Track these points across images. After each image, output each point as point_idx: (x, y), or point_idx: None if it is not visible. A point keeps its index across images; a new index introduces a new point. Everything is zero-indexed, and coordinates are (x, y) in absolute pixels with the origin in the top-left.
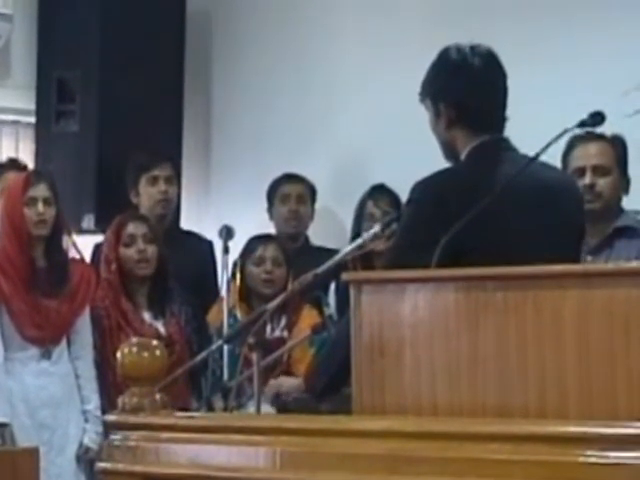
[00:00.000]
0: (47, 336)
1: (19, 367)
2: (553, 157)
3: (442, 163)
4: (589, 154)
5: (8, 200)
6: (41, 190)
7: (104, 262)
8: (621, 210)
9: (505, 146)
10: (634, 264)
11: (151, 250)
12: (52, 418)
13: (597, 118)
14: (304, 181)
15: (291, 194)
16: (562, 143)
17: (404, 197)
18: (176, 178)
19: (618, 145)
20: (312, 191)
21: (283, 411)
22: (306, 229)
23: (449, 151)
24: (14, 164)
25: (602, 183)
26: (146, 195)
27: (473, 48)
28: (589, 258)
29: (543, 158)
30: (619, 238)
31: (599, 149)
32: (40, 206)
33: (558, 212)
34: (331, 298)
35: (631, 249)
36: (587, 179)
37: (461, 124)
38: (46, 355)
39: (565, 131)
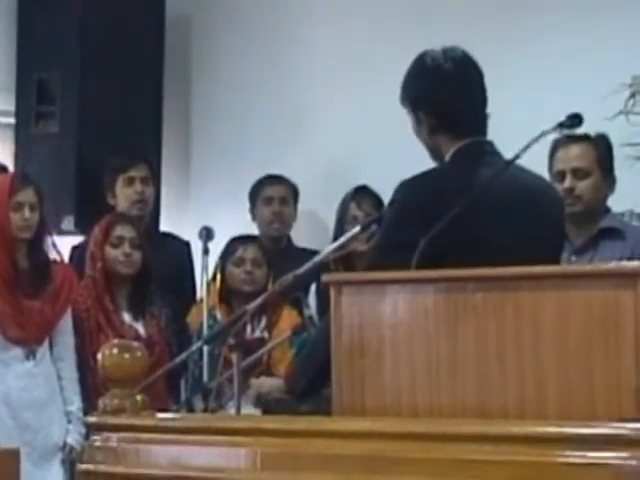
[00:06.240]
0: (30, 336)
1: (2, 368)
2: (537, 161)
3: (426, 164)
4: (569, 157)
5: None
6: (28, 195)
7: (89, 259)
8: (607, 210)
9: (488, 149)
10: (612, 265)
11: (136, 255)
12: (35, 419)
13: (575, 120)
14: (287, 182)
15: (274, 196)
16: (547, 147)
17: (387, 199)
18: (153, 179)
19: (601, 145)
20: (295, 192)
21: (267, 411)
22: (289, 230)
23: (435, 154)
24: None
25: (581, 186)
26: (122, 196)
27: (446, 52)
28: (573, 259)
29: (525, 161)
30: (604, 239)
31: (579, 151)
32: (26, 211)
33: (538, 215)
34: (312, 299)
35: (615, 250)
36: (567, 182)
37: (443, 129)
38: (30, 356)
39: (543, 133)
